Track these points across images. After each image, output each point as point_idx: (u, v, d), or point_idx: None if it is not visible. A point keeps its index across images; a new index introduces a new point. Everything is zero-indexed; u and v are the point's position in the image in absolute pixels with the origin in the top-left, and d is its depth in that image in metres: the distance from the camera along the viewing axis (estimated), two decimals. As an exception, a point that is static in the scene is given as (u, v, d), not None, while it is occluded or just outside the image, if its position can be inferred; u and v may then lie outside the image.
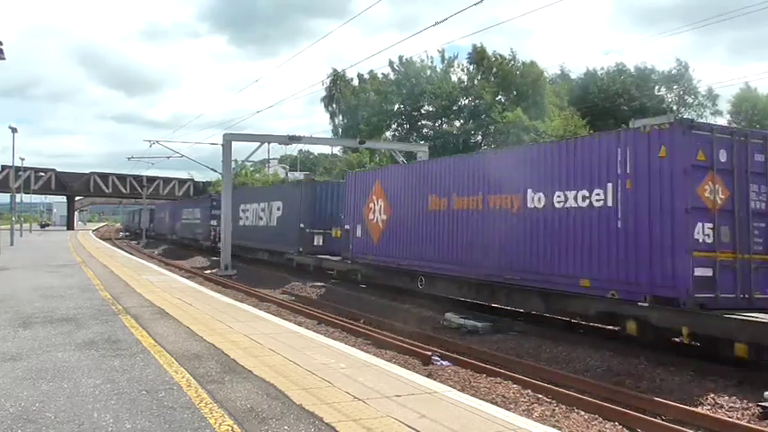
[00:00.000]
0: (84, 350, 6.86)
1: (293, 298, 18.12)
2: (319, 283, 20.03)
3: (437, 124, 51.01)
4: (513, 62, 50.96)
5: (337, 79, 58.27)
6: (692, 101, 56.69)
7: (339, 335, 11.97)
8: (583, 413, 7.27)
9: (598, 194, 10.29)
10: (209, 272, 25.65)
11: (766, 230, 9.47)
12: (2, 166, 55.60)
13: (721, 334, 8.57)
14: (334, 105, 60.15)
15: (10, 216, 42.96)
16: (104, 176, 67.80)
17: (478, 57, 50.56)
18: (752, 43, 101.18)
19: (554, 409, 7.45)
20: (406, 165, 22.08)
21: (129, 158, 44.14)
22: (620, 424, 6.91)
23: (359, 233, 17.92)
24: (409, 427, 4.42)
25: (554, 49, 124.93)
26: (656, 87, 57.43)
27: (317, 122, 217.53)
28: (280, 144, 30.98)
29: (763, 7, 25.47)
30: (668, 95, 57.41)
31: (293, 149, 60.29)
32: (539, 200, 11.51)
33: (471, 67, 51.77)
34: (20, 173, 47.93)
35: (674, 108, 53.99)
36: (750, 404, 7.37)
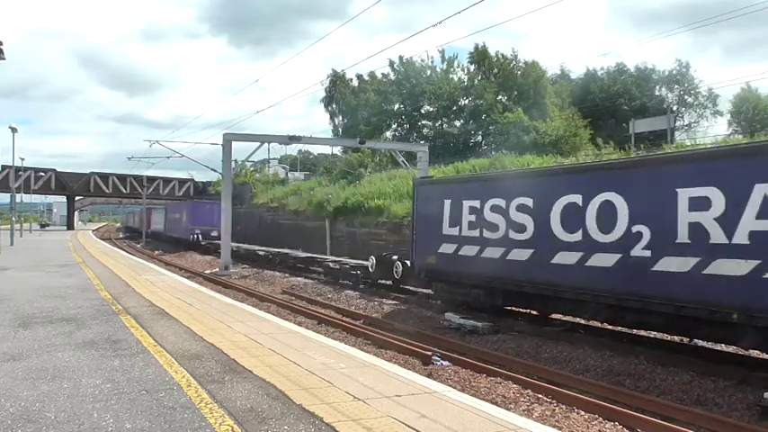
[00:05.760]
0: (84, 350, 6.86)
1: (293, 298, 18.11)
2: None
3: (437, 124, 50.98)
4: (514, 62, 50.95)
5: (337, 80, 58.31)
6: (692, 101, 56.75)
7: (339, 335, 11.97)
8: (583, 413, 7.26)
9: None
10: (209, 272, 25.65)
11: None
12: (2, 166, 55.53)
13: None
14: (333, 106, 60.20)
15: (10, 216, 42.97)
16: (104, 176, 67.79)
17: (479, 57, 50.53)
18: (747, 45, 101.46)
19: (554, 409, 7.45)
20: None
21: (129, 158, 44.27)
22: (620, 424, 6.91)
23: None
24: (409, 427, 4.42)
25: (551, 52, 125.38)
26: (657, 87, 57.48)
27: (316, 123, 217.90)
28: (280, 144, 31.02)
29: (761, 8, 25.51)
30: (669, 96, 57.46)
31: (293, 149, 60.49)
32: None
33: (472, 67, 51.75)
34: (20, 173, 47.95)
35: (675, 108, 54.01)
36: (750, 404, 7.37)
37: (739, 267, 7.43)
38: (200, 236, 39.33)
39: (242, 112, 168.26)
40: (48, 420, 4.42)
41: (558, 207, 10.38)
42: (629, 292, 8.95)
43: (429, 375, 8.08)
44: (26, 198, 58.50)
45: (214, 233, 36.87)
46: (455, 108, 49.43)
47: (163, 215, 55.56)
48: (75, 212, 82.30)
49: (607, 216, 9.37)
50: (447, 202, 13.67)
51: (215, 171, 35.48)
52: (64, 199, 73.92)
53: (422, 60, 51.66)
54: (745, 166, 7.80)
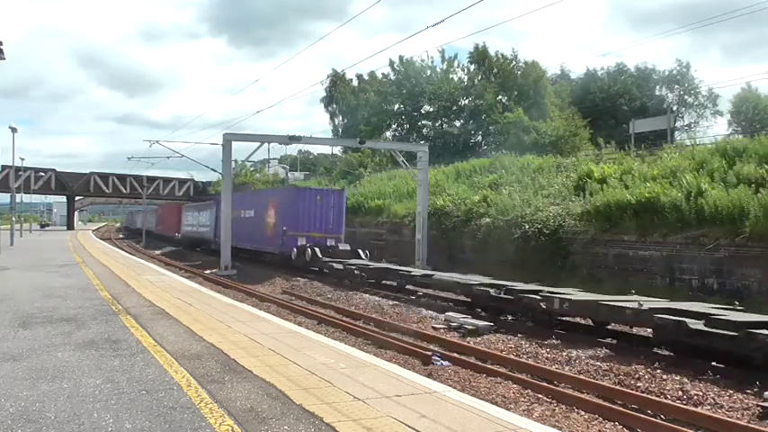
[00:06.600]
0: (84, 350, 6.86)
1: (293, 298, 18.11)
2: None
3: (437, 124, 51.00)
4: (514, 62, 50.96)
5: (337, 80, 58.36)
6: (692, 101, 56.76)
7: (339, 335, 11.96)
8: (583, 413, 7.26)
9: None
10: (208, 272, 25.64)
11: None
12: (2, 166, 55.62)
13: None
14: (333, 105, 60.30)
15: (10, 216, 42.97)
16: (104, 176, 67.87)
17: (479, 57, 50.54)
18: (745, 46, 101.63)
19: (554, 409, 7.45)
20: None
21: (129, 158, 44.24)
22: (620, 424, 6.90)
23: None
24: (409, 427, 4.42)
25: (551, 52, 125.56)
26: (657, 88, 57.50)
27: (316, 123, 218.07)
28: (280, 144, 30.98)
29: (759, 9, 25.51)
30: (669, 96, 57.48)
31: (293, 149, 60.58)
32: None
33: (472, 67, 51.76)
34: (20, 173, 47.97)
35: (675, 108, 54.01)
36: (750, 404, 7.37)
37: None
38: (311, 250, 22.51)
39: (242, 112, 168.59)
40: (48, 420, 4.42)
41: None
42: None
43: (429, 375, 8.08)
44: (26, 198, 58.57)
45: (340, 244, 23.24)
46: (455, 108, 49.43)
47: (209, 213, 35.94)
48: (75, 212, 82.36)
49: None
50: None
51: (215, 171, 35.52)
52: (64, 199, 74.00)
53: (422, 60, 51.75)
54: None
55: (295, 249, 22.92)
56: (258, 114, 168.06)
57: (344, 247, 22.98)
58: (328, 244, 23.20)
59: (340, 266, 20.04)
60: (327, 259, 21.57)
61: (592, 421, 7.04)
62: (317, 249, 22.29)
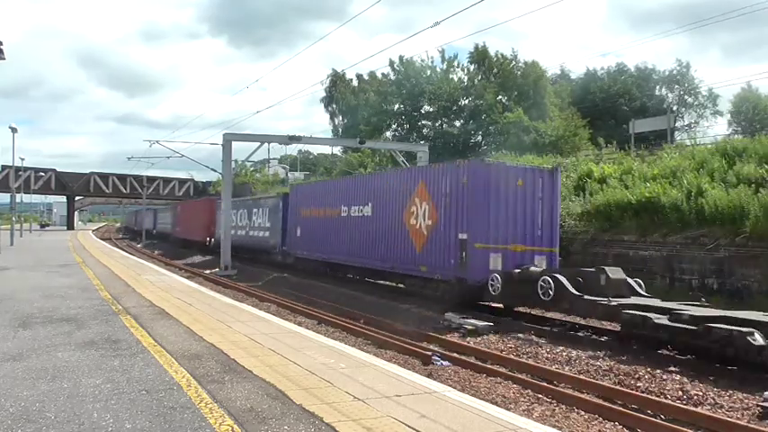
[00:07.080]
0: (84, 350, 6.86)
1: (293, 298, 18.09)
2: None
3: (437, 124, 50.97)
4: (513, 62, 50.93)
5: (337, 80, 58.35)
6: (692, 101, 56.76)
7: (339, 335, 11.97)
8: (583, 413, 7.26)
9: None
10: (208, 272, 25.64)
11: None
12: (2, 166, 55.69)
13: None
14: (333, 105, 60.26)
15: (10, 216, 42.98)
16: (104, 176, 67.94)
17: (479, 57, 50.52)
18: (744, 46, 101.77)
19: (554, 409, 7.45)
20: None
21: (129, 158, 44.35)
22: (620, 424, 6.90)
23: None
24: (409, 427, 4.42)
25: (551, 52, 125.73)
26: (657, 88, 57.50)
27: (316, 123, 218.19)
28: (280, 144, 31.03)
29: (759, 9, 25.53)
30: (669, 96, 57.50)
31: (293, 149, 60.64)
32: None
33: (472, 67, 51.72)
34: (20, 173, 48.01)
35: (675, 108, 54.00)
36: (750, 404, 7.37)
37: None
38: (552, 280, 11.80)
39: (242, 112, 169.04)
40: (48, 420, 4.42)
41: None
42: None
43: (429, 375, 8.08)
44: (26, 198, 58.64)
45: (609, 269, 11.75)
46: (455, 108, 49.37)
47: (269, 212, 26.89)
48: (75, 212, 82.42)
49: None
50: None
51: (215, 171, 35.63)
52: (64, 199, 74.10)
53: (422, 60, 51.64)
54: None
55: (498, 276, 13.10)
56: (258, 114, 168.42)
57: (616, 273, 11.75)
58: (536, 264, 13.53)
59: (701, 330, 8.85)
60: (629, 304, 10.57)
61: (592, 421, 7.04)
62: (561, 278, 11.77)
